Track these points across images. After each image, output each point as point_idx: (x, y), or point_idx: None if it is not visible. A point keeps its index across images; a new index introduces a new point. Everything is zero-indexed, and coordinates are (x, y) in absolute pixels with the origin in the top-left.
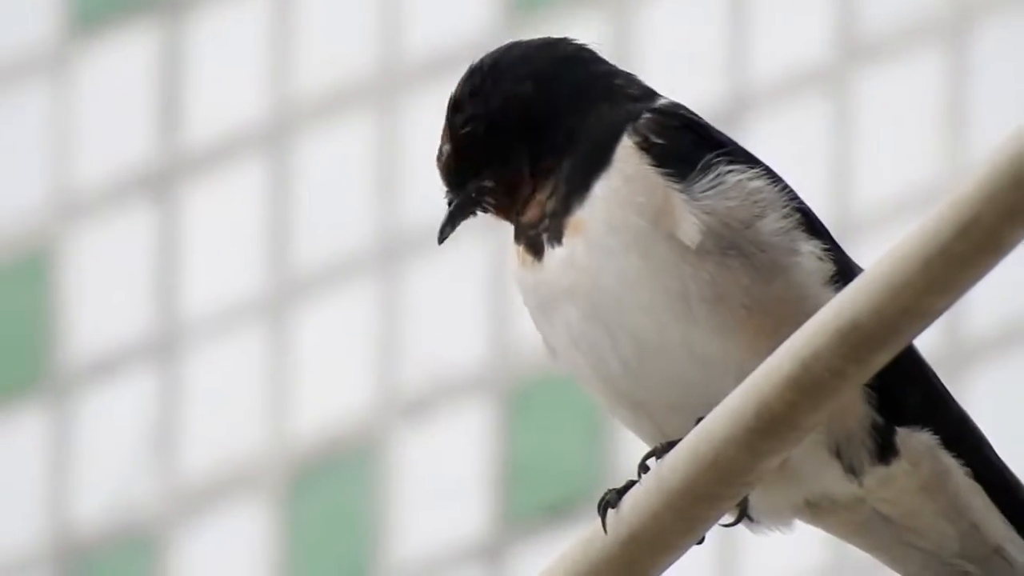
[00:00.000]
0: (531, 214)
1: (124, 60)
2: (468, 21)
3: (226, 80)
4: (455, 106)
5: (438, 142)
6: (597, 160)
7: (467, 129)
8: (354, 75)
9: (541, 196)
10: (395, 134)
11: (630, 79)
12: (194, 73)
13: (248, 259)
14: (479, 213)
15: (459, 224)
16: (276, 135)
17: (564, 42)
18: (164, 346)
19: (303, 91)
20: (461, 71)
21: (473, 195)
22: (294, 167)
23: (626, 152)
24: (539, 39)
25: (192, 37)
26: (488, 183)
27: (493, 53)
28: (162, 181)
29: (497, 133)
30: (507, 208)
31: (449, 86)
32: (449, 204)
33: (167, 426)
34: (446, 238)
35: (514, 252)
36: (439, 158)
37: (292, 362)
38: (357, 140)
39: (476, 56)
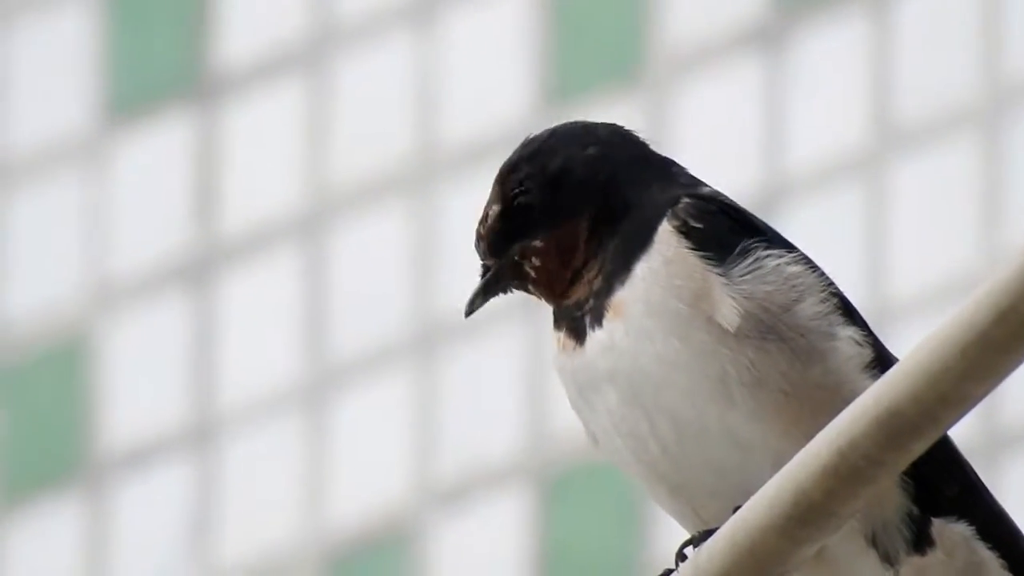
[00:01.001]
0: (578, 292)
1: (159, 148)
2: (504, 109)
3: (261, 167)
4: (511, 168)
5: (481, 212)
6: (640, 241)
7: (522, 188)
8: (390, 162)
9: (589, 274)
10: (431, 221)
11: (682, 168)
12: (229, 161)
13: (284, 347)
14: (516, 286)
15: (493, 294)
16: (312, 222)
17: (621, 126)
18: (200, 435)
19: (339, 178)
20: (497, 159)
21: (517, 257)
22: (330, 254)
23: (666, 235)
24: (592, 121)
25: (227, 124)
26: (538, 243)
27: (551, 127)
28: (198, 269)
29: (554, 193)
30: (552, 276)
31: (485, 173)
32: (485, 272)
33: (204, 515)
34: (476, 309)
35: (555, 339)
36: (483, 221)
37: (328, 450)
38: (392, 227)
39: (512, 143)
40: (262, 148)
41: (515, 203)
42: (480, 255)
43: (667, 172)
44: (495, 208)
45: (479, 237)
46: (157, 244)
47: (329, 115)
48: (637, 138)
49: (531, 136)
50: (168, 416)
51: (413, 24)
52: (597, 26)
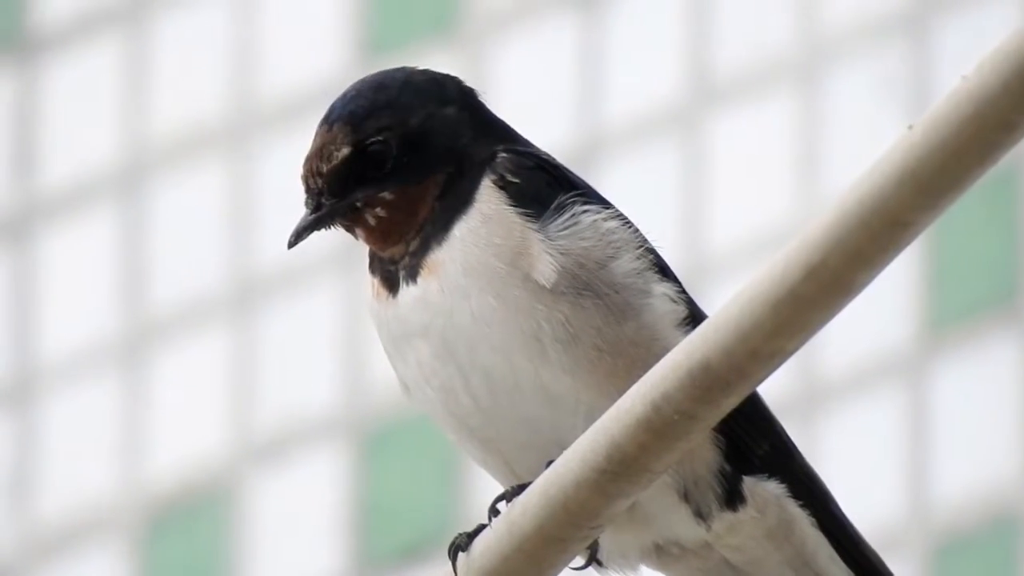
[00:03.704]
0: (394, 249)
1: None
2: (321, 63)
3: (79, 124)
4: (368, 114)
5: (317, 147)
6: (462, 199)
7: (380, 138)
8: (206, 118)
9: (407, 233)
10: (247, 177)
11: (509, 127)
12: (47, 117)
13: (102, 303)
14: (343, 227)
15: (320, 230)
16: (130, 177)
17: (460, 80)
18: (18, 390)
19: (156, 134)
20: (314, 113)
21: (359, 203)
22: (147, 210)
23: (486, 191)
24: (434, 71)
25: (45, 81)
26: (387, 195)
27: (392, 72)
28: (16, 226)
29: (411, 149)
30: (390, 228)
31: (302, 126)
32: (316, 209)
33: (22, 471)
34: (300, 242)
35: (369, 283)
36: (324, 158)
37: (146, 406)
38: (210, 183)
39: (329, 97)
40: (80, 103)
41: (368, 150)
42: (312, 190)
43: (501, 131)
44: (344, 150)
45: (316, 173)
46: None
47: (146, 70)
48: (478, 96)
49: (378, 81)
50: None
51: None
52: None
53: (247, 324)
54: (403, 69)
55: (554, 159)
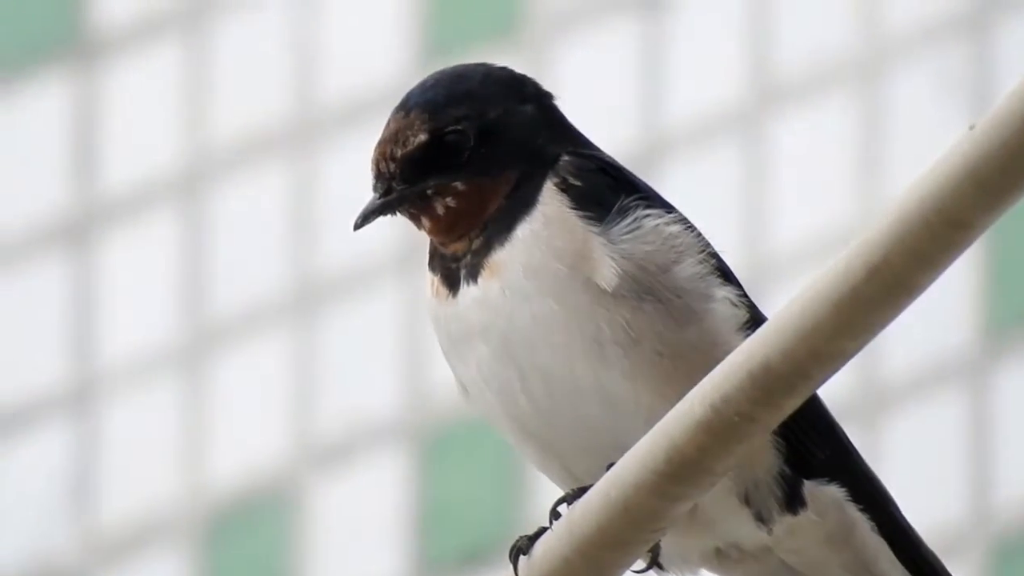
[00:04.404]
0: (456, 246)
1: (38, 110)
2: (382, 67)
3: (140, 128)
4: (446, 101)
5: (391, 133)
6: (525, 200)
7: (458, 127)
8: (268, 122)
9: (472, 231)
10: (309, 180)
11: (576, 129)
12: (108, 121)
13: (163, 308)
14: (409, 215)
15: (388, 215)
16: (190, 183)
17: (534, 80)
18: (80, 396)
19: (218, 139)
20: (376, 117)
21: (430, 192)
22: (209, 215)
23: (548, 193)
24: (512, 70)
25: (106, 85)
26: (460, 185)
27: (473, 65)
28: (77, 231)
29: (488, 142)
30: (458, 220)
31: (364, 131)
32: (386, 193)
33: (84, 476)
34: (367, 224)
35: (429, 281)
36: (399, 143)
37: (208, 411)
38: (271, 185)
39: (391, 102)
40: (141, 108)
41: (445, 138)
42: (383, 174)
43: (572, 135)
44: (421, 136)
45: (389, 157)
46: (37, 206)
47: (209, 75)
48: (553, 98)
49: (456, 72)
50: (48, 378)
51: None
52: None
53: (308, 328)
54: (483, 64)
55: (616, 162)
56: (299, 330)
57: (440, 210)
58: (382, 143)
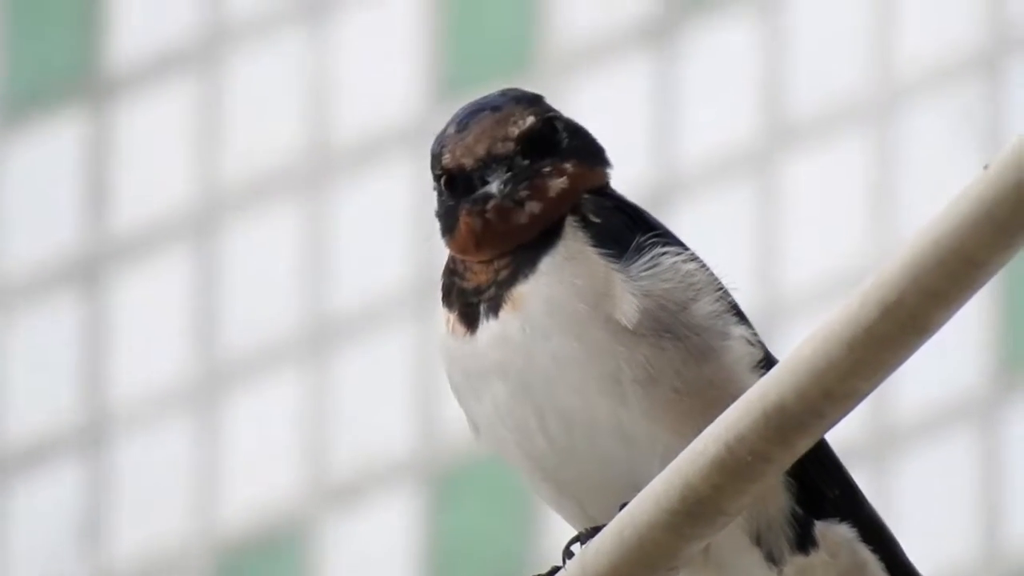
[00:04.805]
0: (480, 277)
1: (52, 146)
2: (395, 105)
3: (154, 165)
4: (529, 97)
5: (497, 119)
6: (548, 234)
7: (555, 114)
8: (281, 161)
9: (499, 260)
10: (322, 219)
11: None
12: (122, 159)
13: (176, 347)
14: (507, 207)
15: (519, 190)
16: (203, 221)
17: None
18: (93, 433)
19: (231, 177)
20: (389, 155)
21: (547, 170)
22: (222, 254)
23: (570, 230)
24: None
25: (120, 123)
26: (571, 167)
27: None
28: (91, 269)
29: (574, 137)
30: (553, 205)
31: (377, 169)
32: (510, 171)
33: (96, 514)
34: (506, 198)
35: (444, 318)
36: (515, 124)
37: (220, 449)
38: (285, 226)
39: (404, 139)
40: (155, 146)
41: (550, 123)
42: (499, 156)
43: None
44: (529, 119)
45: (504, 138)
46: (49, 243)
47: (222, 113)
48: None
49: (515, 92)
50: (61, 415)
51: (305, 21)
52: (488, 21)
53: (321, 366)
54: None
55: (630, 200)
56: (312, 368)
57: (553, 192)
58: (484, 133)
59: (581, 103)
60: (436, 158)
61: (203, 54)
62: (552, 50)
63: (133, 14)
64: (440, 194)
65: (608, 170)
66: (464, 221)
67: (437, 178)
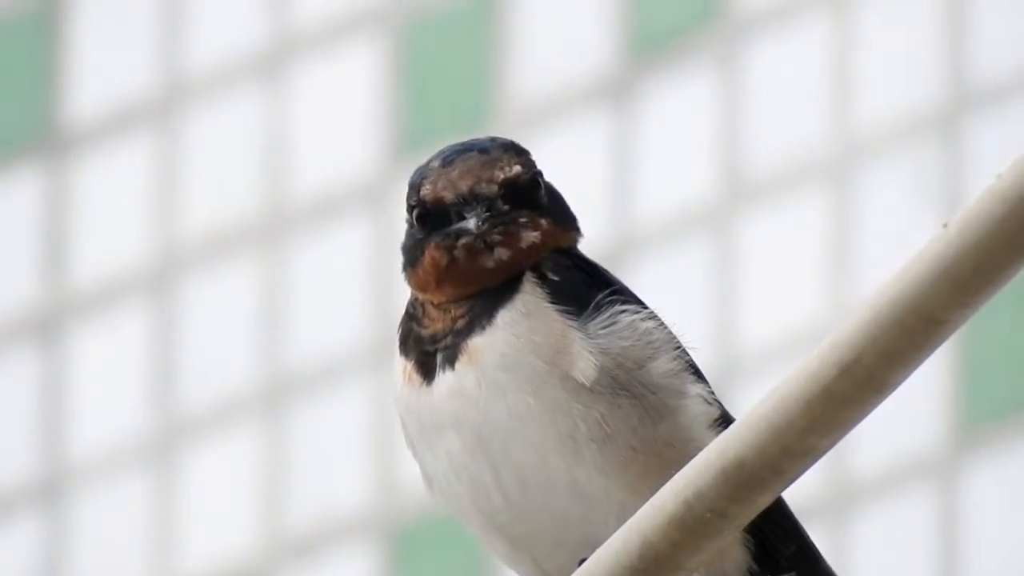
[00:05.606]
0: (438, 324)
1: (9, 202)
2: (352, 163)
3: (111, 222)
4: (516, 147)
5: (483, 161)
6: (507, 287)
7: (539, 170)
8: (239, 217)
9: (457, 309)
10: (279, 275)
11: None
12: (79, 215)
13: (133, 402)
14: (482, 247)
15: (495, 232)
16: (160, 277)
17: None
18: (49, 490)
19: (188, 233)
20: (346, 212)
21: (523, 220)
22: (179, 309)
23: (528, 286)
24: None
25: (76, 179)
26: (546, 223)
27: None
28: (47, 324)
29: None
30: (519, 256)
31: (335, 227)
32: (489, 211)
33: (53, 569)
34: (483, 234)
35: (400, 368)
36: (501, 169)
37: (178, 504)
38: (241, 282)
39: (361, 196)
40: (112, 202)
41: (533, 176)
42: (481, 196)
43: None
44: (515, 167)
45: (489, 180)
46: (8, 298)
47: (179, 169)
48: None
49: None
50: (17, 471)
51: (262, 77)
52: (446, 78)
53: (278, 422)
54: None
55: (588, 257)
56: (269, 424)
57: (520, 241)
58: (470, 171)
59: (539, 160)
60: (414, 188)
61: (160, 110)
62: (509, 107)
63: (90, 70)
64: (410, 226)
65: (579, 237)
66: (430, 255)
67: (410, 209)
